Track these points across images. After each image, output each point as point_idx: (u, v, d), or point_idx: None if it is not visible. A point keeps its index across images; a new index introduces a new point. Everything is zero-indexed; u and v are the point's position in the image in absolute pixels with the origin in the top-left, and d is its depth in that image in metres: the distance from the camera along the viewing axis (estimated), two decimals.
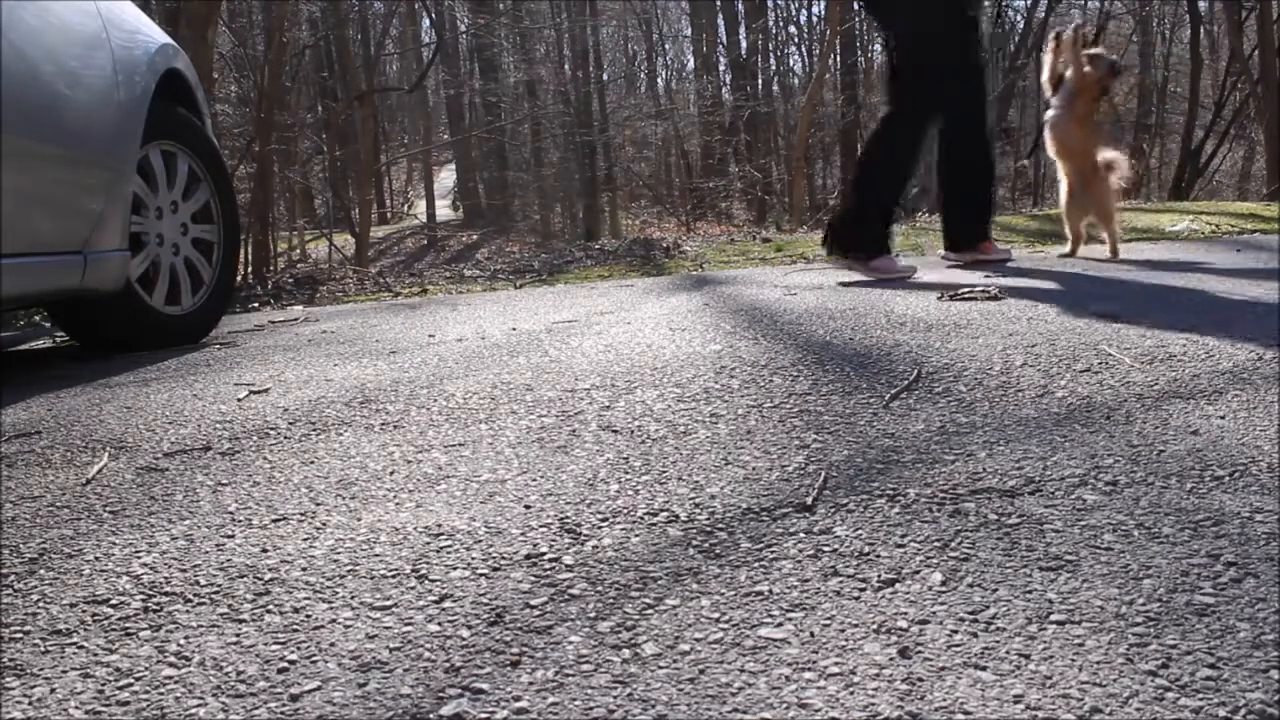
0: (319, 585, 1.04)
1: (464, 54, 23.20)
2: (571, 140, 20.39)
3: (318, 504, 1.29)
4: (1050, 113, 3.52)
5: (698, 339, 2.20)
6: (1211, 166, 15.65)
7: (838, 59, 15.78)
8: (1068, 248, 3.76)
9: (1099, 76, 3.43)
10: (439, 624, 0.94)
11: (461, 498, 1.28)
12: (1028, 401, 1.56)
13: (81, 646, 0.94)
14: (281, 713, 0.81)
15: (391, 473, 1.40)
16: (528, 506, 1.23)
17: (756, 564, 1.03)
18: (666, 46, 23.73)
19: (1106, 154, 3.46)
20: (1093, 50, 3.53)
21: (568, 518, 1.18)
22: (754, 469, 1.32)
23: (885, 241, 3.26)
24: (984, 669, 0.81)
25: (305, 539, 1.17)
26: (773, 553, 1.06)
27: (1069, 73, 3.45)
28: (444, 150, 25.06)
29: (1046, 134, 3.56)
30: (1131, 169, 3.65)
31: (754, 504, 1.19)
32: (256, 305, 4.77)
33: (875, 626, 0.89)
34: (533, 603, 0.97)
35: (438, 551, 1.11)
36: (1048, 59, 3.58)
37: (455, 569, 1.06)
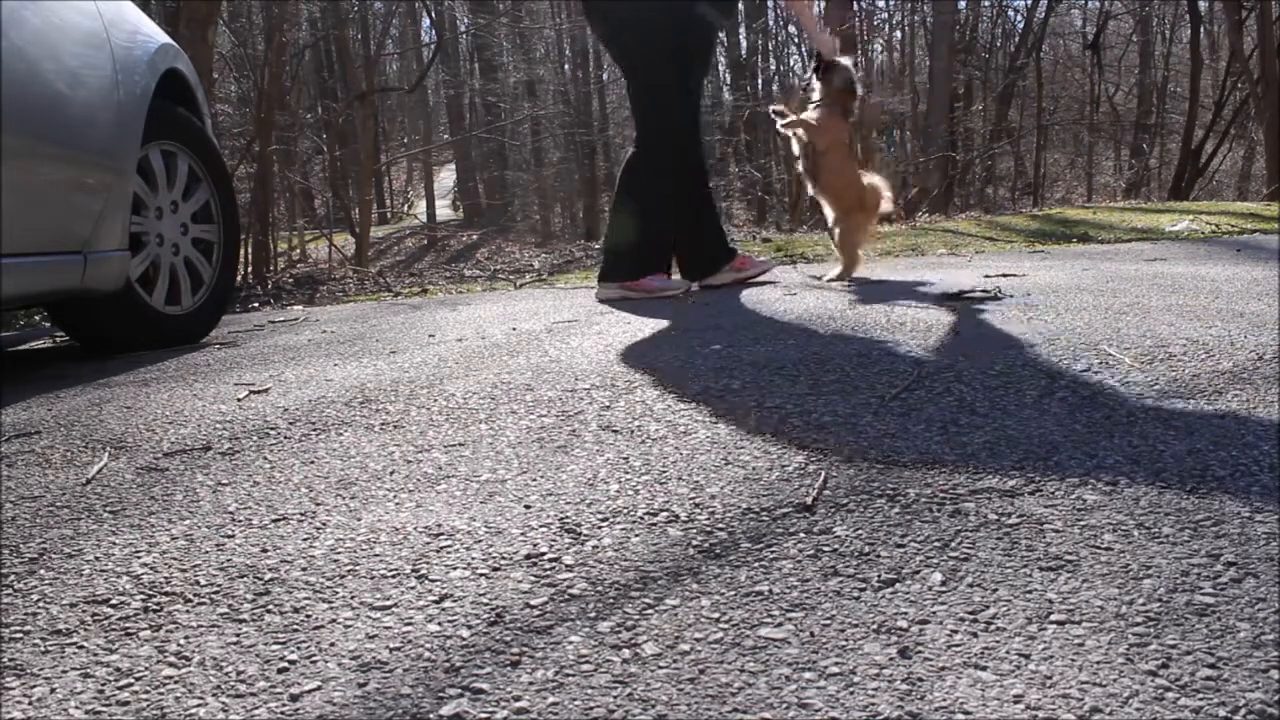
0: (319, 585, 1.04)
1: (464, 54, 23.22)
2: (571, 140, 20.40)
3: (318, 504, 1.29)
4: (799, 161, 3.25)
5: (697, 339, 2.20)
6: (1211, 166, 15.64)
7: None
8: (837, 270, 3.37)
9: (835, 97, 3.17)
10: (439, 624, 0.94)
11: (461, 498, 1.28)
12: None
13: (81, 646, 0.94)
14: (281, 713, 0.81)
15: (391, 473, 1.40)
16: (528, 506, 1.23)
17: (756, 564, 1.03)
18: None
19: (869, 180, 3.21)
20: (837, 61, 3.24)
21: (568, 518, 1.18)
22: (754, 469, 1.32)
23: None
24: (984, 669, 0.81)
25: (305, 539, 1.17)
26: (773, 553, 1.06)
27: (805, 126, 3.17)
28: (444, 150, 25.07)
29: (801, 174, 3.30)
30: (894, 197, 3.26)
31: (754, 504, 1.19)
32: (256, 305, 4.78)
33: (875, 626, 0.89)
34: (533, 603, 0.97)
35: (438, 551, 1.11)
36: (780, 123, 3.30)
37: (455, 569, 1.06)
